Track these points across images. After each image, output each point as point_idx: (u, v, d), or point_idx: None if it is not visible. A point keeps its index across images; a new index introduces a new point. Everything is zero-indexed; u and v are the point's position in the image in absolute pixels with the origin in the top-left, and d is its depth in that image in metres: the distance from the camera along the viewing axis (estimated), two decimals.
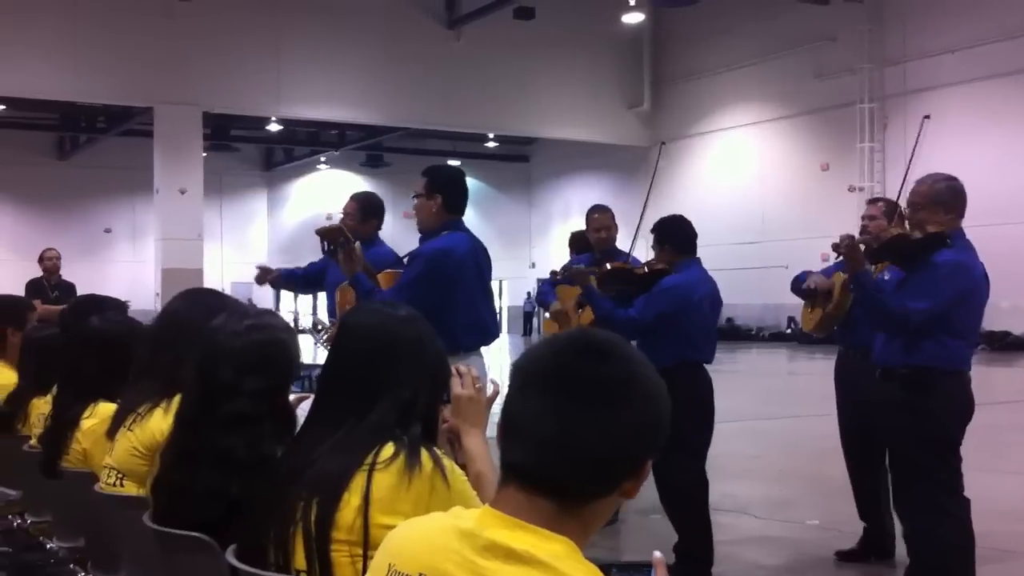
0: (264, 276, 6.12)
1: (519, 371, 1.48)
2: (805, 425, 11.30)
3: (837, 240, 4.25)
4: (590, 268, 5.47)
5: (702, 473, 5.09)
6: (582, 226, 6.74)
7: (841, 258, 4.40)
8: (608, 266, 5.48)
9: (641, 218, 6.23)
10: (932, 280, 4.11)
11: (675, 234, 5.24)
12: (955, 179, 4.31)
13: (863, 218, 5.57)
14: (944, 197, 4.23)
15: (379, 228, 5.79)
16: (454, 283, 4.71)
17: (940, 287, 4.10)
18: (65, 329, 3.94)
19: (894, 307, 4.12)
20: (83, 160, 32.09)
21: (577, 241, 7.11)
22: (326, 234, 4.84)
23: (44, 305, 8.86)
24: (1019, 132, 22.29)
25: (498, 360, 17.92)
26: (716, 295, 5.25)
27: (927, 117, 14.74)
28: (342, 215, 5.66)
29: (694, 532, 5.02)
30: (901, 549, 4.67)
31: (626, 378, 1.43)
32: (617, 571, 1.41)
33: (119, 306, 4.10)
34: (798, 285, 5.45)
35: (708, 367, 5.19)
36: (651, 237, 5.38)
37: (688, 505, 5.04)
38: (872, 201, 5.86)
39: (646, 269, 5.29)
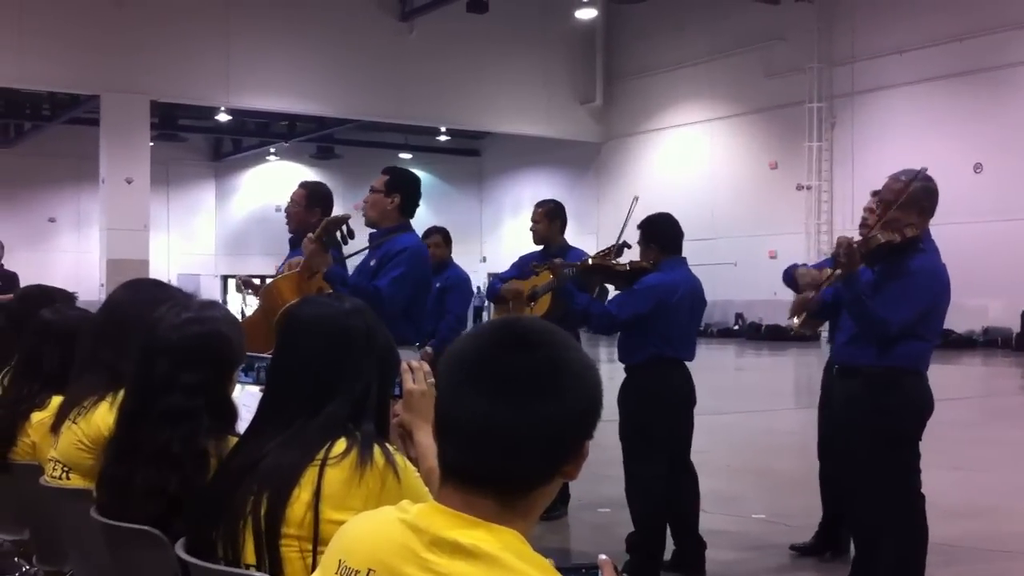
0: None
1: (447, 368, 1.45)
2: (753, 421, 11.43)
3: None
4: (569, 263, 5.38)
5: (666, 467, 5.02)
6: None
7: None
8: (589, 260, 5.37)
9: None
10: (909, 288, 4.09)
11: (662, 233, 5.16)
12: (930, 178, 4.22)
13: (865, 210, 5.31)
14: (920, 198, 4.16)
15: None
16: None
17: (917, 296, 4.09)
18: (14, 321, 3.84)
19: (876, 316, 4.08)
20: (27, 148, 31.45)
21: None
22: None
23: None
24: (963, 134, 22.60)
25: None
26: (698, 294, 5.17)
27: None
28: (289, 202, 5.47)
29: (650, 526, 5.02)
30: None
31: (554, 367, 1.40)
32: (563, 575, 1.35)
33: (67, 297, 4.04)
34: (789, 279, 5.19)
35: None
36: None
37: (649, 499, 5.02)
38: (876, 193, 5.13)
39: (628, 266, 5.19)
